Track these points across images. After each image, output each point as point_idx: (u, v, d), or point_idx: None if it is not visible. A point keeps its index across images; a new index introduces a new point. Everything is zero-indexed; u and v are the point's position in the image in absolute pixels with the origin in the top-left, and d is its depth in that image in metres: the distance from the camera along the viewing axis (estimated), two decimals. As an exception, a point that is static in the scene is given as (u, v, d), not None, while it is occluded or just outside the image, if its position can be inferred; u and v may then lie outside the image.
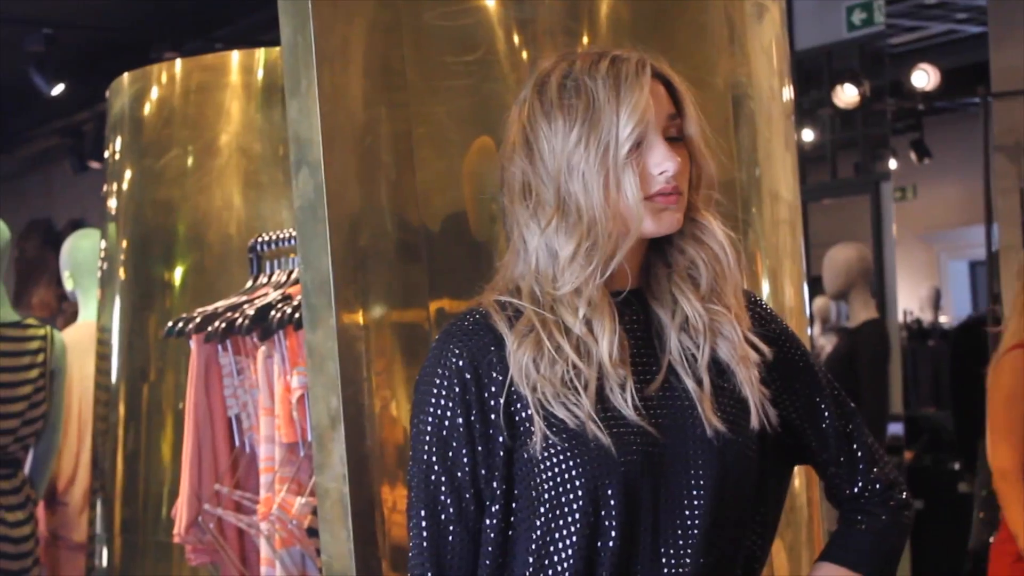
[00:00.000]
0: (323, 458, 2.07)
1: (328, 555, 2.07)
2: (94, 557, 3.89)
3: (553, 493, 1.72)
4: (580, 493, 1.71)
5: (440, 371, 1.76)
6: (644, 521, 1.73)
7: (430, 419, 1.76)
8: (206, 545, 3.05)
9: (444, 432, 1.75)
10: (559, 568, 1.73)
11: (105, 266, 4.01)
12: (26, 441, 4.14)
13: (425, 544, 1.76)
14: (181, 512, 3.04)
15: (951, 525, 4.84)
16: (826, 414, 1.91)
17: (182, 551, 3.23)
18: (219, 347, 3.05)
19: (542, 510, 1.73)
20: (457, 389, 1.75)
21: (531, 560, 1.73)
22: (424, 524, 1.76)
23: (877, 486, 1.93)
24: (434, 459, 1.76)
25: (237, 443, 3.06)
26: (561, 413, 1.71)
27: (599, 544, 1.72)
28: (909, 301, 6.18)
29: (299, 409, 2.76)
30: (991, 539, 4.50)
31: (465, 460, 1.75)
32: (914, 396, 6.70)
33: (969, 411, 5.83)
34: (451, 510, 1.75)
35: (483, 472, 1.75)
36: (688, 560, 1.74)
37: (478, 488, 1.75)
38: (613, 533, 1.71)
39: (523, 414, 1.73)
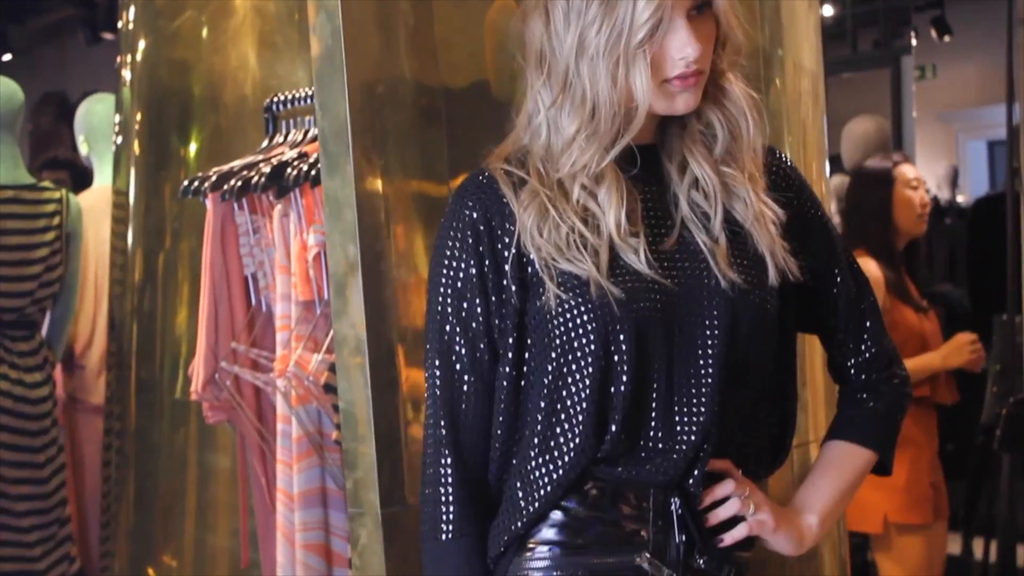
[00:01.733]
0: (341, 305, 2.07)
1: (345, 402, 2.08)
2: (111, 418, 3.92)
3: (565, 340, 1.73)
4: (592, 338, 1.71)
5: (455, 224, 1.77)
6: (657, 369, 1.73)
7: (445, 271, 1.77)
8: (223, 403, 3.06)
9: (459, 284, 1.76)
10: (571, 413, 1.73)
11: (120, 139, 3.99)
12: (43, 304, 4.15)
13: (439, 393, 1.77)
14: (198, 370, 3.05)
15: (964, 398, 4.85)
16: (839, 279, 1.91)
17: (199, 411, 3.25)
18: (235, 206, 3.03)
19: (554, 356, 1.74)
20: (471, 241, 1.75)
21: (543, 406, 1.74)
22: (439, 374, 1.78)
23: (882, 360, 1.93)
24: (449, 310, 1.77)
25: (253, 302, 3.06)
26: (570, 268, 1.72)
27: (611, 390, 1.72)
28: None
29: (315, 267, 2.76)
30: (1003, 412, 4.52)
31: (479, 311, 1.76)
32: (930, 273, 6.68)
33: (985, 287, 5.82)
34: (465, 360, 1.77)
35: (496, 323, 1.76)
36: (703, 414, 1.74)
37: (492, 339, 1.77)
38: (624, 379, 1.72)
39: (533, 268, 1.74)
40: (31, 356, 4.10)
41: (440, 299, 1.78)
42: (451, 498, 1.77)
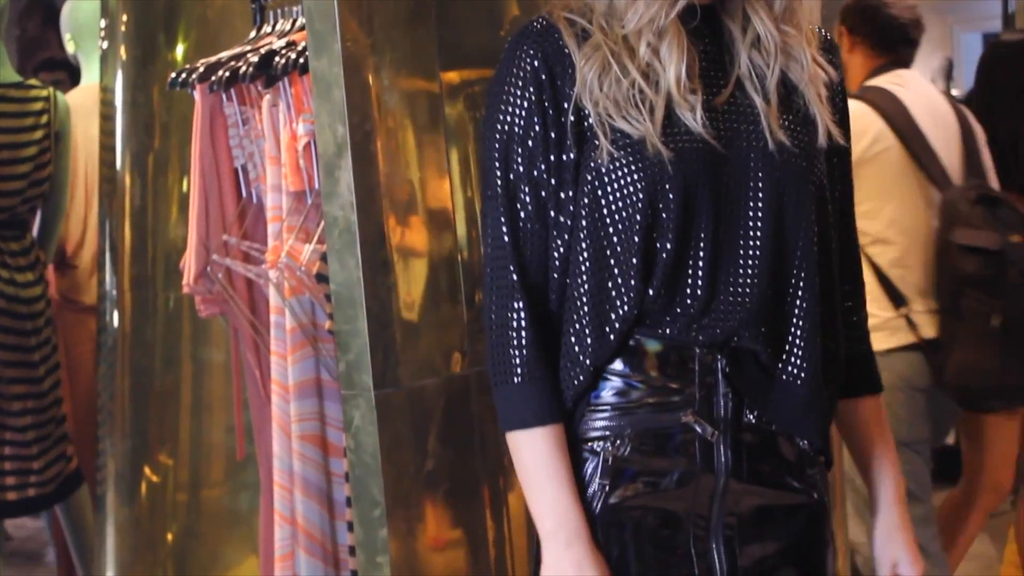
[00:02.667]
0: (331, 187, 2.05)
1: (336, 284, 2.06)
2: (104, 316, 3.91)
3: (615, 198, 1.75)
4: (640, 196, 1.74)
5: (515, 71, 1.78)
6: (704, 229, 1.75)
7: (507, 118, 1.78)
8: (215, 296, 3.04)
9: (521, 131, 1.77)
10: (618, 272, 1.76)
11: (106, 44, 3.94)
12: (33, 203, 4.13)
13: (507, 239, 1.78)
14: (189, 263, 3.03)
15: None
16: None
17: (192, 306, 3.24)
18: (223, 97, 3.00)
19: (604, 213, 1.76)
20: (532, 89, 1.77)
21: (591, 264, 1.77)
22: (503, 220, 1.79)
23: (862, 307, 1.99)
24: (513, 156, 1.78)
25: (244, 193, 3.03)
26: (624, 127, 1.73)
27: (657, 246, 1.75)
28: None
29: (305, 157, 2.73)
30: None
31: (542, 157, 1.78)
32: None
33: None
34: (530, 207, 1.79)
35: (556, 173, 1.78)
36: (749, 276, 1.76)
37: (553, 187, 1.78)
38: (671, 236, 1.74)
39: (588, 123, 1.76)
40: (22, 256, 4.08)
41: (502, 146, 1.79)
42: (523, 341, 1.79)
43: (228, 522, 3.67)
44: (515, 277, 1.78)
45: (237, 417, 3.20)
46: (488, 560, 2.05)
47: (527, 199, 1.79)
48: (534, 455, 1.76)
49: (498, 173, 1.79)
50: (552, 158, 1.77)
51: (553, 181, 1.77)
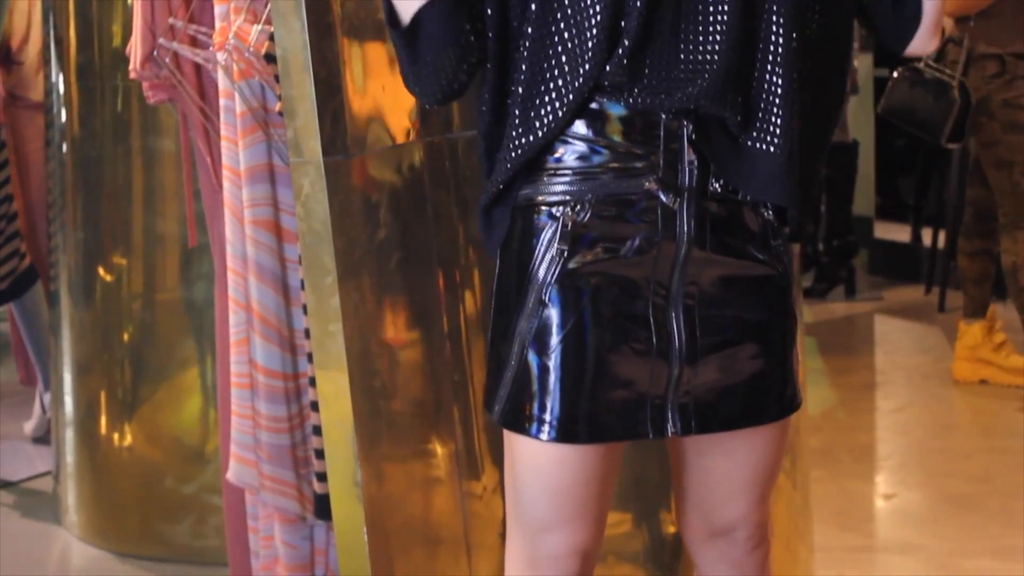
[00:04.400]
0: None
1: (282, 49, 2.00)
2: (52, 110, 3.84)
3: None
4: None
5: None
6: None
7: None
8: (163, 81, 2.98)
9: None
10: (581, 29, 1.71)
11: None
12: (-27, -1, 4.03)
13: None
14: (136, 48, 2.96)
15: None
16: None
17: (140, 95, 3.18)
18: None
19: None
20: None
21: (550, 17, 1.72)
22: None
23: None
24: None
25: (190, -24, 2.95)
26: None
27: (625, 9, 1.70)
28: None
29: (250, -68, 2.65)
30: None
31: None
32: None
33: None
34: None
35: None
36: (718, 44, 1.71)
37: None
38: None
39: None
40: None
41: None
42: None
43: (183, 322, 3.67)
44: None
45: (188, 207, 3.17)
46: (441, 326, 2.04)
47: None
48: None
49: None
50: None
51: None
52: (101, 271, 3.73)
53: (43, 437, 5.13)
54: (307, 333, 2.70)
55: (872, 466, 4.55)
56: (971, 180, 5.09)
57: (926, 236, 6.69)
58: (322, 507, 2.93)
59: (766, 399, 1.83)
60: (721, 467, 1.84)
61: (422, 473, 1.98)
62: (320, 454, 2.89)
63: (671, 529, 2.23)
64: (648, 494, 2.33)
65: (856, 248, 6.63)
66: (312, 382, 2.81)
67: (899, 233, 7.16)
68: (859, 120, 6.87)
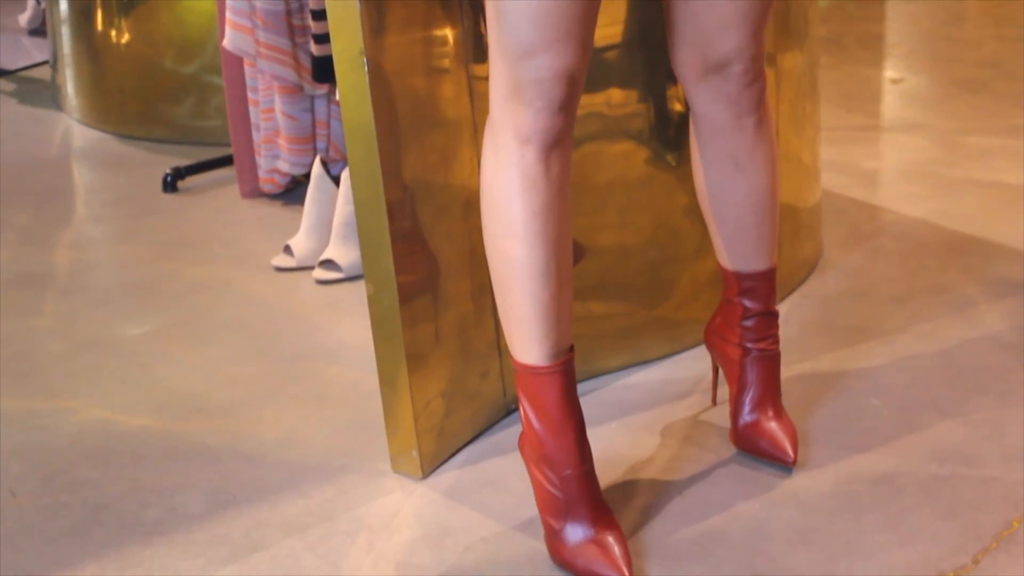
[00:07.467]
0: None
1: None
2: None
3: None
4: None
5: None
6: None
7: None
8: None
9: None
10: None
11: None
12: None
13: None
14: None
15: None
16: None
17: None
18: None
19: None
20: None
21: None
22: None
23: None
24: None
25: None
26: None
27: None
28: None
29: None
30: None
31: None
32: None
33: None
34: None
35: None
36: None
37: None
38: None
39: None
40: None
41: None
42: None
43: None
44: None
45: None
46: None
47: None
48: None
49: None
50: None
51: None
52: None
53: (38, 29, 5.07)
54: None
55: (880, 53, 4.49)
56: None
57: None
58: (320, 70, 2.91)
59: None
60: (714, 1, 1.78)
61: (428, 57, 1.90)
62: (317, 15, 2.84)
63: (677, 107, 2.19)
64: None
65: None
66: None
67: None
68: None
